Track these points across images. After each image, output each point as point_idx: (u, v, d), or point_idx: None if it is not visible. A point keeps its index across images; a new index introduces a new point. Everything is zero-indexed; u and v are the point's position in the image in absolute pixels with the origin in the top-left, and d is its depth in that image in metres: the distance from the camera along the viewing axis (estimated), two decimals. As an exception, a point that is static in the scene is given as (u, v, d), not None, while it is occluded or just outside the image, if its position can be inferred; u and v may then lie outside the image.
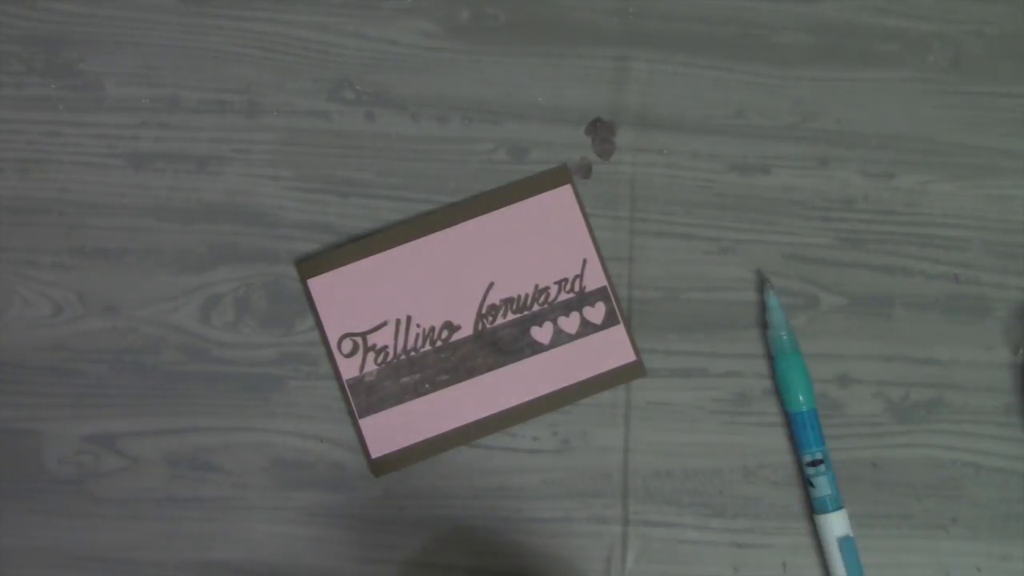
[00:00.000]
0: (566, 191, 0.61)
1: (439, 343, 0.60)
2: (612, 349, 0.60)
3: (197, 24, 0.61)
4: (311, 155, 0.61)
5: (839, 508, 0.58)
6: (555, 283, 0.60)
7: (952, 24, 0.62)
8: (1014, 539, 0.60)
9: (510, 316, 0.60)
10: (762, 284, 0.60)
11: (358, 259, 0.60)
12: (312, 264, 0.60)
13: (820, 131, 0.61)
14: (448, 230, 0.60)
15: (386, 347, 0.60)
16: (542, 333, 0.60)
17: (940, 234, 0.61)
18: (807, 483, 0.59)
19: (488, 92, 0.61)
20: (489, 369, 0.60)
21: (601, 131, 0.61)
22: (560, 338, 0.60)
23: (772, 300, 0.59)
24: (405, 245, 0.60)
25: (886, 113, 0.62)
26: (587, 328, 0.60)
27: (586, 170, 0.61)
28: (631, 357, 0.60)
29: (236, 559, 0.59)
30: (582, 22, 0.62)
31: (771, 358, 0.60)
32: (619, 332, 0.60)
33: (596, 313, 0.60)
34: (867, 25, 0.62)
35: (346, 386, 0.60)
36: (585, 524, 0.60)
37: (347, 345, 0.60)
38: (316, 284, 0.60)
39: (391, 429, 0.60)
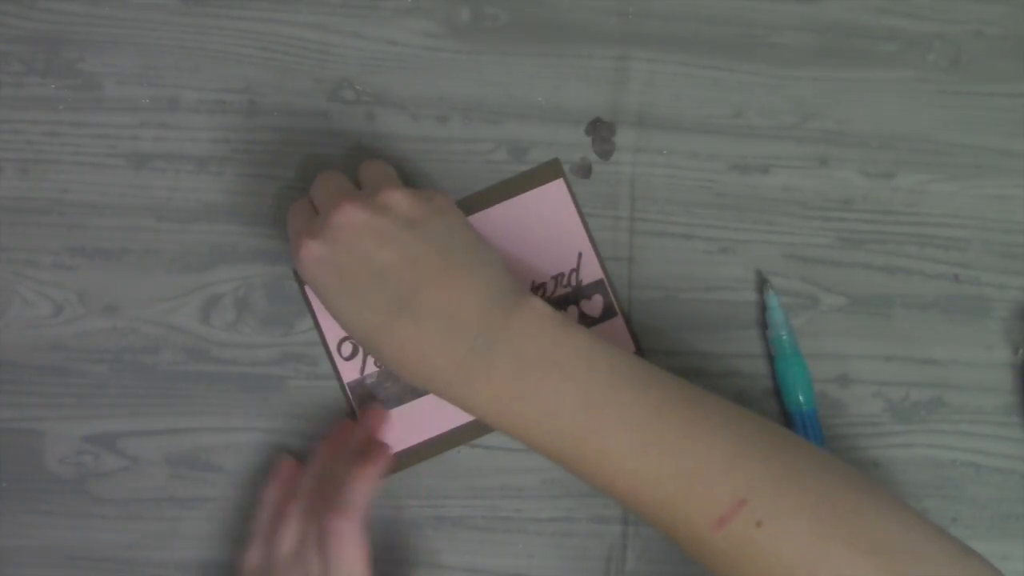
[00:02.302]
0: (559, 185, 0.61)
1: (439, 342, 0.60)
2: (611, 342, 0.59)
3: (197, 24, 0.61)
4: (311, 155, 0.61)
5: (839, 508, 0.58)
6: (552, 278, 0.60)
7: (952, 24, 0.62)
8: (1014, 539, 0.59)
9: (509, 313, 0.60)
10: (762, 284, 0.60)
11: (357, 260, 0.60)
12: (311, 265, 0.60)
13: (820, 131, 0.61)
14: (443, 229, 0.60)
15: (386, 348, 0.60)
16: (541, 329, 0.60)
17: (940, 234, 0.61)
18: (807, 483, 0.59)
19: (488, 92, 0.61)
20: (489, 367, 0.60)
21: (601, 131, 0.61)
22: (559, 334, 0.60)
23: (772, 300, 0.59)
24: (403, 245, 0.60)
25: (886, 113, 0.62)
26: (586, 321, 0.60)
27: (586, 170, 0.61)
28: (631, 348, 0.60)
29: (236, 559, 0.59)
30: (582, 22, 0.62)
31: (771, 358, 0.60)
32: (618, 324, 0.60)
33: (594, 306, 0.60)
34: (867, 25, 0.62)
35: (347, 389, 0.60)
36: (585, 524, 0.60)
37: (347, 348, 0.60)
38: (315, 286, 0.60)
39: (394, 430, 0.60)
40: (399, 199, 0.51)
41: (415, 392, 0.60)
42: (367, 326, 0.50)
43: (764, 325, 0.60)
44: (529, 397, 0.49)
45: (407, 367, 0.50)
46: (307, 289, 0.60)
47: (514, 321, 0.49)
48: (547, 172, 0.61)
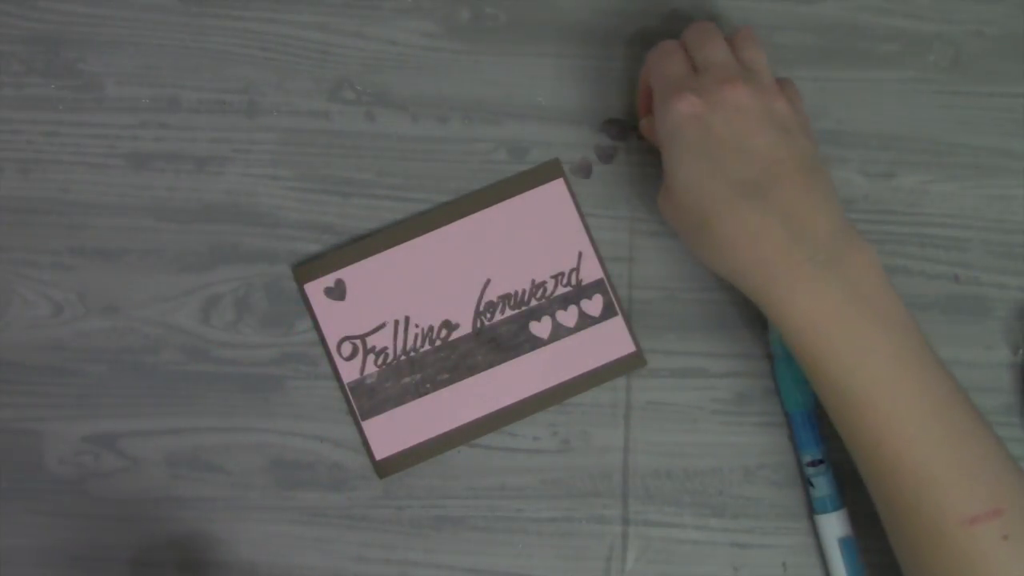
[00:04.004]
0: (559, 185, 0.61)
1: (438, 342, 0.60)
2: (611, 341, 0.60)
3: (197, 24, 0.61)
4: (311, 155, 0.61)
5: (839, 508, 0.58)
6: (551, 277, 0.60)
7: (952, 24, 0.62)
8: (1015, 539, 0.59)
9: (508, 312, 0.60)
10: (762, 284, 0.60)
11: (354, 262, 0.60)
12: (309, 268, 0.60)
13: (820, 131, 0.61)
14: (442, 229, 0.60)
15: (386, 348, 0.60)
16: (541, 328, 0.60)
17: (940, 234, 0.61)
18: (807, 483, 0.59)
19: (488, 92, 0.61)
20: (489, 366, 0.60)
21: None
22: (559, 332, 0.60)
23: (772, 300, 0.59)
24: (399, 246, 0.60)
25: (886, 113, 0.61)
26: (585, 321, 0.60)
27: (586, 170, 0.61)
28: (630, 348, 0.60)
29: (236, 559, 0.59)
30: (582, 22, 0.62)
31: (771, 358, 0.60)
32: (617, 324, 0.60)
33: (594, 306, 0.60)
34: (867, 25, 0.62)
35: (347, 389, 0.60)
36: (585, 524, 0.60)
37: (347, 348, 0.60)
38: (313, 288, 0.60)
39: (394, 430, 0.60)
40: (784, 107, 0.54)
41: (416, 392, 0.60)
42: (712, 192, 0.52)
43: (764, 325, 0.60)
44: (846, 327, 0.51)
45: (735, 248, 0.52)
46: (306, 290, 0.60)
47: (854, 254, 0.52)
48: (547, 172, 0.61)
